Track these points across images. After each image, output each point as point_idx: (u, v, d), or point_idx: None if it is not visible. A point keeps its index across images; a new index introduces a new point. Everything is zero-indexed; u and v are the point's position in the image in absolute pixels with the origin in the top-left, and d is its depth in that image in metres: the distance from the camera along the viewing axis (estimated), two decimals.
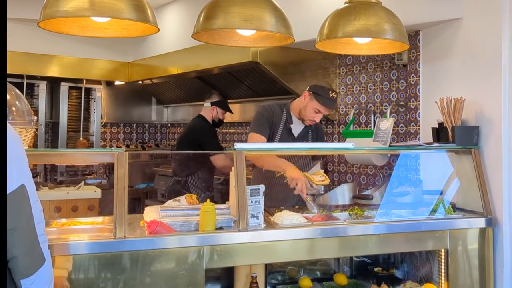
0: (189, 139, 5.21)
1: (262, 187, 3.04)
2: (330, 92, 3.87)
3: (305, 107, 3.89)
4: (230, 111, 5.50)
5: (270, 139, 3.96)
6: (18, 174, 1.95)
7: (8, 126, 1.95)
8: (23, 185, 1.96)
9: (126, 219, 2.71)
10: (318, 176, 3.52)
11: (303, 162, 3.98)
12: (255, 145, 3.56)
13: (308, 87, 3.92)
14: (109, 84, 8.06)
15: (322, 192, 3.70)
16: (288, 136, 3.98)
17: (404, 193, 3.73)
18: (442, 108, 3.60)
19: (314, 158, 4.09)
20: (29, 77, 6.88)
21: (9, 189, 1.89)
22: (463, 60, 3.72)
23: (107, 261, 2.62)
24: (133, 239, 2.69)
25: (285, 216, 3.12)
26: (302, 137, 4.02)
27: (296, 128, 4.02)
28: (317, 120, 3.93)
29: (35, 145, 6.63)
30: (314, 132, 4.10)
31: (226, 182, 4.41)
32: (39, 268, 2.02)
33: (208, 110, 5.28)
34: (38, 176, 6.74)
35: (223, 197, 4.81)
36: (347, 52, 3.64)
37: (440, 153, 3.73)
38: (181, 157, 5.30)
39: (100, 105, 7.72)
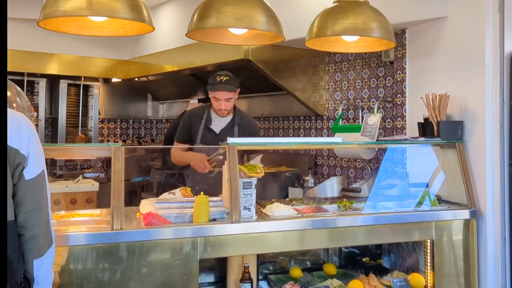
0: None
1: (254, 180, 3.08)
2: (218, 76, 3.97)
3: (211, 102, 4.07)
4: None
5: (194, 140, 4.15)
6: (41, 160, 2.12)
7: (27, 118, 2.12)
8: (44, 170, 2.12)
9: (123, 211, 2.76)
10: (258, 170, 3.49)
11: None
12: (248, 139, 3.62)
13: None
14: (107, 81, 8.09)
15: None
16: (208, 134, 4.11)
17: (391, 186, 3.79)
18: (428, 104, 3.65)
19: (249, 152, 4.08)
20: (29, 74, 6.91)
21: (35, 173, 2.06)
22: (448, 58, 3.77)
23: (105, 251, 2.67)
24: (130, 230, 2.74)
25: (276, 208, 3.17)
26: (226, 132, 4.06)
27: (218, 124, 4.14)
28: (222, 108, 4.04)
29: None
30: (242, 127, 4.16)
31: (219, 175, 4.47)
32: (48, 248, 2.12)
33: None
34: None
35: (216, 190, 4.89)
36: (335, 50, 3.70)
37: (426, 147, 3.77)
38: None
39: (98, 101, 7.76)
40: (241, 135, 4.12)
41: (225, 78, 3.99)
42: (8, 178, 1.98)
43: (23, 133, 2.04)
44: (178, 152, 4.28)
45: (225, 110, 4.07)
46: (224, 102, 4.03)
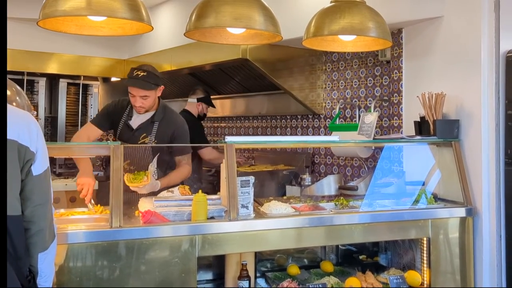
0: None
1: (251, 179, 3.10)
2: (136, 70, 3.75)
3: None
4: (214, 106, 5.77)
5: (114, 134, 3.98)
6: (47, 157, 2.19)
7: (33, 117, 2.20)
8: (48, 166, 2.19)
9: (122, 209, 2.78)
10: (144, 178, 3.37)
11: (143, 156, 3.83)
12: (245, 138, 3.65)
13: None
14: (106, 80, 8.08)
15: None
16: (127, 129, 3.89)
17: (387, 184, 3.81)
18: (424, 103, 3.67)
19: (176, 154, 3.93)
20: (29, 74, 6.89)
21: (42, 169, 2.14)
22: (444, 57, 3.79)
23: (104, 249, 2.69)
24: (129, 228, 2.76)
25: (274, 206, 3.19)
26: (142, 129, 3.87)
27: (137, 120, 3.90)
28: (137, 104, 3.79)
29: None
30: (163, 125, 3.89)
31: (217, 173, 4.49)
32: (52, 242, 2.17)
33: (194, 106, 5.48)
34: None
35: (214, 188, 4.92)
36: (332, 49, 3.72)
37: (422, 145, 3.79)
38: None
39: (97, 100, 7.75)
40: (160, 133, 3.86)
41: (142, 74, 3.73)
42: (17, 174, 2.04)
43: (32, 130, 2.11)
44: (80, 135, 4.06)
45: (141, 108, 3.81)
46: (139, 99, 3.76)
